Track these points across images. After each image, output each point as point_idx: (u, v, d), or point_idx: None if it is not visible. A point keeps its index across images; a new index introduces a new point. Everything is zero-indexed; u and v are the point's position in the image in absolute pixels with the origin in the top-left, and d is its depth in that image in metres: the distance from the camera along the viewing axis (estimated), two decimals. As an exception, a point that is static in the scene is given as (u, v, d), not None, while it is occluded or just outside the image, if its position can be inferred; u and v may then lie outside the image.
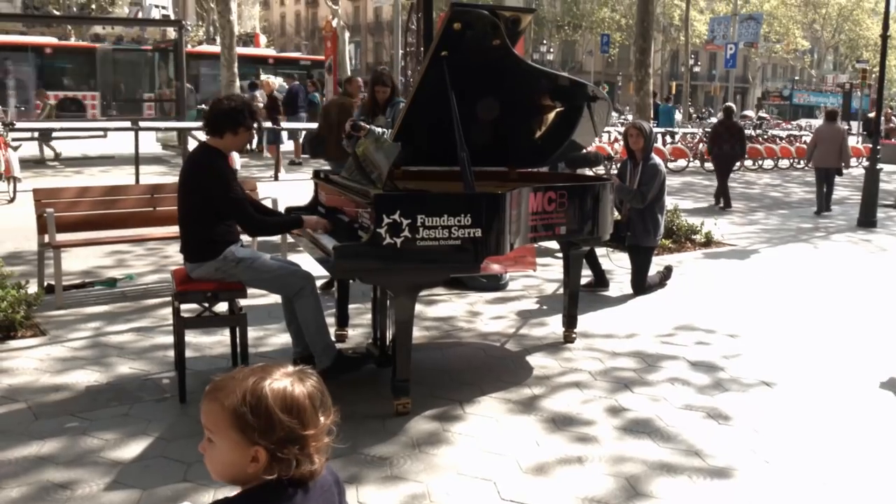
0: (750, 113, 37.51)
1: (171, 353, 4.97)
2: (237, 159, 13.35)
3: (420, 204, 4.09)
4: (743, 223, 11.88)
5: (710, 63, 62.64)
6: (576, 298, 5.64)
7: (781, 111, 51.10)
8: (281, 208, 5.78)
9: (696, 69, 56.02)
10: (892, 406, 4.66)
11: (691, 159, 20.18)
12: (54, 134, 16.14)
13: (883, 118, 21.95)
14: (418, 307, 6.30)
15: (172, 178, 7.47)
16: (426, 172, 5.57)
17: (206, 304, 4.54)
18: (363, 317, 5.96)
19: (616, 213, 7.31)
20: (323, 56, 27.65)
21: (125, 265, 7.74)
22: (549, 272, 7.70)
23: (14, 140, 12.38)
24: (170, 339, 5.19)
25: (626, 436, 4.10)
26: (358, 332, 5.72)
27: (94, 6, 37.39)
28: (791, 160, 22.37)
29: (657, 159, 7.17)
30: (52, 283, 6.27)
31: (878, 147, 12.91)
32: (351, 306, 5.78)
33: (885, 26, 12.50)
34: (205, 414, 1.50)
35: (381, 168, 4.59)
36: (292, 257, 6.75)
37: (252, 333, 5.47)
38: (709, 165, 17.93)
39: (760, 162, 21.88)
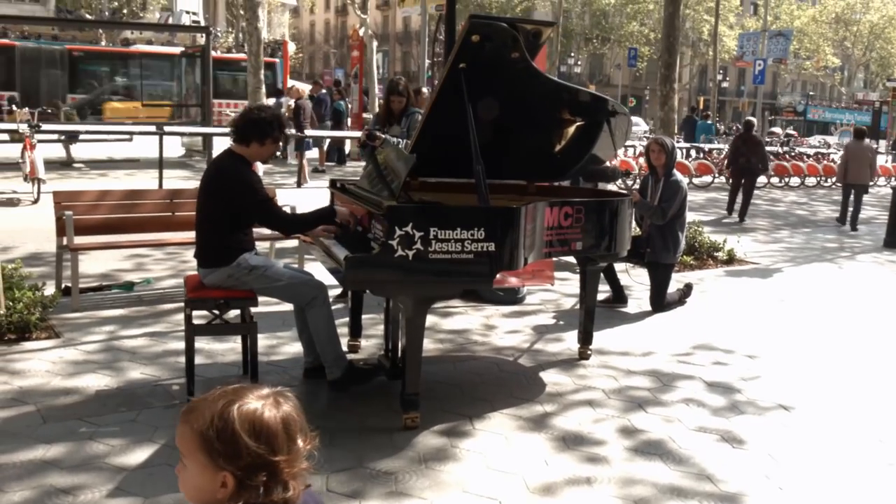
0: (777, 130, 37.15)
1: (183, 359, 4.95)
2: (260, 166, 13.44)
3: (433, 216, 4.05)
4: (767, 241, 11.74)
5: (738, 79, 62.33)
6: (592, 314, 5.58)
7: (795, 127, 48.58)
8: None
9: (725, 84, 55.77)
10: (912, 434, 4.55)
11: (717, 175, 20.01)
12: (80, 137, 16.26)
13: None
14: (433, 319, 6.28)
15: (195, 183, 7.50)
16: (444, 184, 5.54)
17: (217, 312, 4.52)
18: (377, 327, 5.93)
19: (636, 229, 7.25)
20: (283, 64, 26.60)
21: (144, 269, 7.76)
22: (567, 286, 7.62)
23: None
24: (182, 345, 5.17)
25: (636, 457, 4.03)
26: (372, 342, 5.69)
27: (125, 11, 37.85)
28: (818, 178, 22.11)
29: (679, 175, 7.09)
30: (70, 285, 6.29)
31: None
32: (365, 316, 5.75)
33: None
34: (177, 436, 1.46)
35: (397, 179, 4.57)
36: (308, 266, 6.74)
37: (265, 342, 5.47)
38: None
39: (787, 179, 21.65)
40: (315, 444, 1.50)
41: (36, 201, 11.24)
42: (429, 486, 3.60)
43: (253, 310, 4.78)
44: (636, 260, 7.17)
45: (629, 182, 15.22)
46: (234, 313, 4.81)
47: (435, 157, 5.06)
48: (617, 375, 5.26)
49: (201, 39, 19.37)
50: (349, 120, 21.75)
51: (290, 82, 25.68)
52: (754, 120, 15.09)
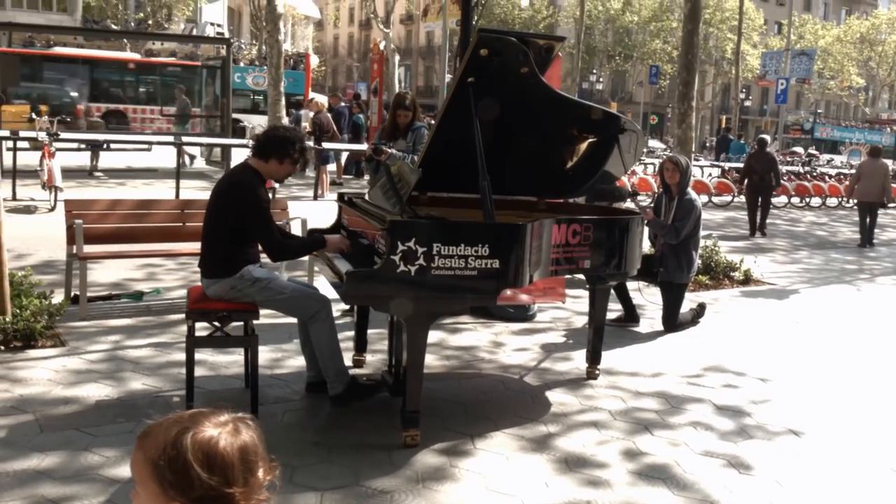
0: (799, 150, 36.87)
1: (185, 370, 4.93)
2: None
3: (437, 232, 3.99)
4: (785, 261, 11.59)
5: (762, 98, 61.99)
6: (601, 333, 5.49)
7: (802, 146, 46.52)
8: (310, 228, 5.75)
9: (748, 103, 55.40)
10: (927, 463, 4.43)
11: (736, 194, 19.85)
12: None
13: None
14: (440, 335, 6.22)
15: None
16: (454, 199, 5.50)
17: (218, 324, 4.49)
18: (383, 342, 5.87)
19: (650, 247, 7.17)
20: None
21: (155, 279, 7.77)
22: (579, 304, 7.54)
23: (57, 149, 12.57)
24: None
25: (640, 481, 3.94)
26: (377, 357, 5.63)
27: (150, 22, 38.25)
28: (839, 199, 21.91)
29: (693, 195, 7.00)
30: (78, 293, 6.29)
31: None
32: (372, 331, 5.70)
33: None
34: (131, 462, 1.40)
35: (402, 193, 4.52)
36: (317, 280, 6.71)
37: (269, 354, 5.44)
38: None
39: (808, 199, 21.46)
40: (276, 473, 1.44)
41: (52, 209, 11.31)
42: (425, 506, 3.53)
43: (260, 322, 4.75)
44: (649, 279, 7.08)
45: (640, 201, 15.25)
46: (237, 325, 4.77)
47: (445, 172, 5.02)
48: (624, 396, 5.17)
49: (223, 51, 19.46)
50: (367, 134, 21.78)
51: (311, 95, 25.83)
52: (767, 137, 15.51)
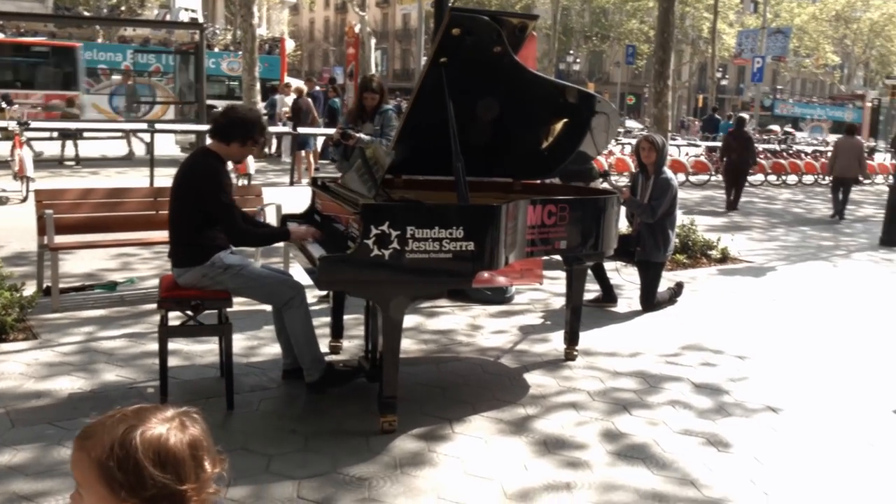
0: (775, 127, 37.03)
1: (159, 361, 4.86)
2: (251, 164, 13.34)
3: (410, 215, 3.95)
4: (762, 239, 11.64)
5: (738, 76, 62.16)
6: (578, 314, 5.48)
7: (761, 122, 46.11)
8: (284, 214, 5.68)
9: (724, 82, 55.55)
10: (903, 437, 4.45)
11: (713, 173, 19.91)
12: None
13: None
14: (418, 319, 6.19)
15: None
16: (430, 182, 5.44)
17: (191, 313, 4.42)
18: (360, 328, 5.82)
19: (626, 227, 7.16)
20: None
21: (129, 268, 7.67)
22: (556, 286, 7.52)
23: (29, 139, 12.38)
24: (160, 346, 5.09)
25: (619, 461, 3.93)
26: (354, 343, 5.59)
27: (123, 8, 37.74)
28: (816, 176, 22.03)
29: (669, 173, 6.98)
30: (50, 285, 6.19)
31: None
32: (348, 317, 5.66)
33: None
34: (72, 464, 1.34)
35: (376, 176, 4.47)
36: (291, 268, 6.65)
37: (245, 342, 5.39)
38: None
39: (784, 177, 21.56)
40: (224, 466, 1.40)
41: (24, 200, 11.15)
42: (402, 492, 3.50)
43: (235, 310, 4.68)
44: (626, 259, 7.08)
45: (614, 182, 15.41)
46: (211, 314, 4.71)
47: (420, 155, 4.97)
48: (602, 377, 5.16)
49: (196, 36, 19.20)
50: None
51: (287, 79, 25.58)
52: (746, 117, 15.96)
